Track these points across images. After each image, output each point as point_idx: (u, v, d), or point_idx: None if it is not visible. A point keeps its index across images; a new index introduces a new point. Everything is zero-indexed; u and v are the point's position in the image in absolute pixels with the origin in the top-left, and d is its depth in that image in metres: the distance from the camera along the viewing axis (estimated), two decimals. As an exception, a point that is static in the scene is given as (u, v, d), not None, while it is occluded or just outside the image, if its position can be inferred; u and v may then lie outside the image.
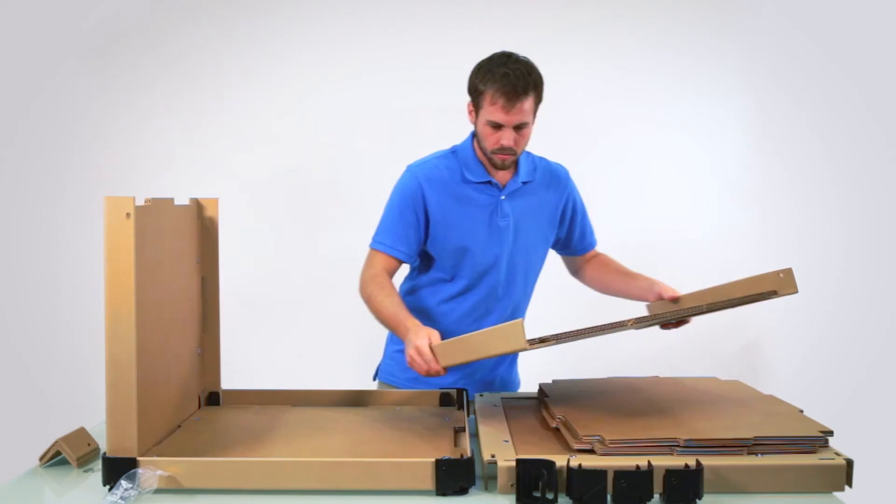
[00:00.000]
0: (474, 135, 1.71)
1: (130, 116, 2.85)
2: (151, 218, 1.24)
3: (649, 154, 2.91)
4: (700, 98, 2.89)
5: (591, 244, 1.92)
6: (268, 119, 2.86)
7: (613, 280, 1.86)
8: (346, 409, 1.56)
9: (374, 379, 1.92)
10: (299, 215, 2.87)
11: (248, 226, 2.72)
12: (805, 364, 2.79)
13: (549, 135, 2.91)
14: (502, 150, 1.61)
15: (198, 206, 1.54)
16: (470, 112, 1.67)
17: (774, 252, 2.89)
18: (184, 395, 1.47)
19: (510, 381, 1.91)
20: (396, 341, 1.81)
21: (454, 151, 1.74)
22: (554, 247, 1.90)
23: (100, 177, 2.87)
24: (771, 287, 1.52)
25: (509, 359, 1.90)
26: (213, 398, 1.59)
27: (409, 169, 1.72)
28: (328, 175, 2.85)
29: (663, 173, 2.92)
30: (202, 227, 1.55)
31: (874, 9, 2.71)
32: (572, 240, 1.88)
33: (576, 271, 1.96)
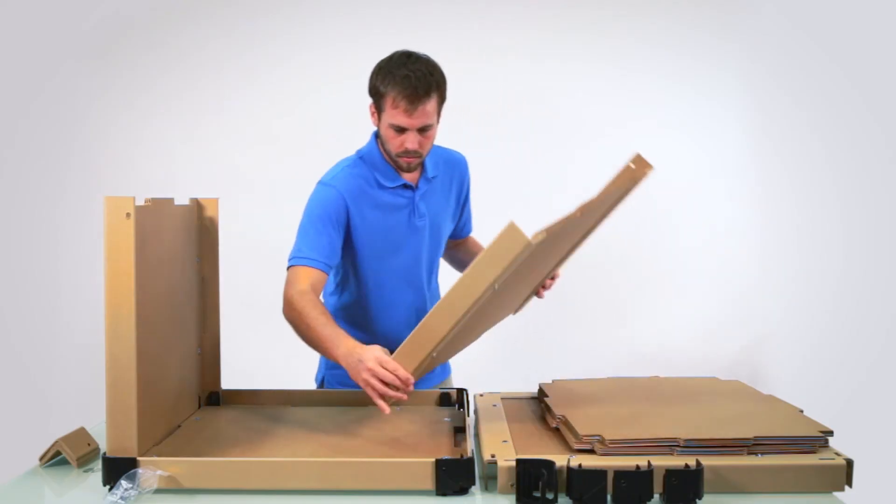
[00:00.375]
0: (377, 136, 1.65)
1: (130, 116, 2.85)
2: (151, 218, 1.24)
3: (649, 154, 2.91)
4: (700, 98, 2.89)
5: (470, 230, 1.91)
6: (268, 119, 2.86)
7: (467, 260, 1.81)
8: (345, 409, 1.56)
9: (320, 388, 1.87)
10: (299, 215, 2.87)
11: (248, 226, 2.72)
12: (805, 364, 2.79)
13: (549, 134, 2.93)
14: (407, 153, 1.56)
15: (198, 206, 1.54)
16: (372, 114, 1.61)
17: (774, 252, 2.89)
18: (184, 395, 1.47)
19: (443, 368, 1.89)
20: None
21: (361, 157, 1.66)
22: None
23: (100, 177, 2.87)
24: (630, 179, 1.57)
25: None
26: (213, 398, 1.59)
27: (326, 184, 1.62)
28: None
29: (663, 173, 2.91)
30: (202, 227, 1.55)
31: (874, 9, 2.71)
32: (457, 226, 1.86)
33: (448, 252, 1.91)
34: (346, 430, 1.41)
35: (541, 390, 1.53)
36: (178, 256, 1.40)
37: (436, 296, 1.82)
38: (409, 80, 1.49)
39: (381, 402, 1.28)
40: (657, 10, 2.86)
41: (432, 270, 1.78)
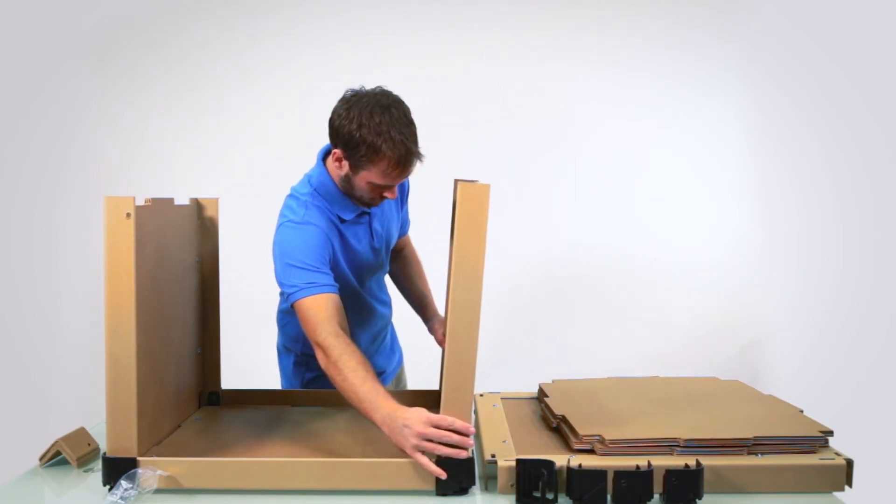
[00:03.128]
0: (323, 153, 1.59)
1: (130, 116, 2.85)
2: (151, 218, 1.24)
3: (649, 154, 2.91)
4: (700, 98, 2.89)
5: (408, 229, 1.88)
6: (268, 119, 2.86)
7: (411, 289, 1.88)
8: (345, 409, 1.56)
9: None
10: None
11: (248, 226, 2.72)
12: (805, 364, 2.79)
13: (549, 135, 2.93)
14: (382, 199, 1.51)
15: (198, 206, 1.54)
16: (338, 160, 1.47)
17: (775, 252, 2.89)
18: (184, 395, 1.47)
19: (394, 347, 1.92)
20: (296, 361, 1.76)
21: (316, 190, 1.54)
22: None
23: (100, 177, 2.87)
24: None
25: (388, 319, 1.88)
26: (213, 398, 1.59)
27: (305, 225, 1.48)
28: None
29: (663, 173, 2.92)
30: (202, 227, 1.55)
31: (874, 9, 2.71)
32: (402, 227, 1.84)
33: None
34: (346, 431, 1.41)
35: (541, 390, 1.53)
36: (178, 256, 1.40)
37: (388, 304, 1.83)
38: (404, 145, 1.39)
39: (437, 469, 1.14)
40: (657, 10, 2.86)
41: (386, 270, 1.80)
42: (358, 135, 1.39)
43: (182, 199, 1.48)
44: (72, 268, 2.86)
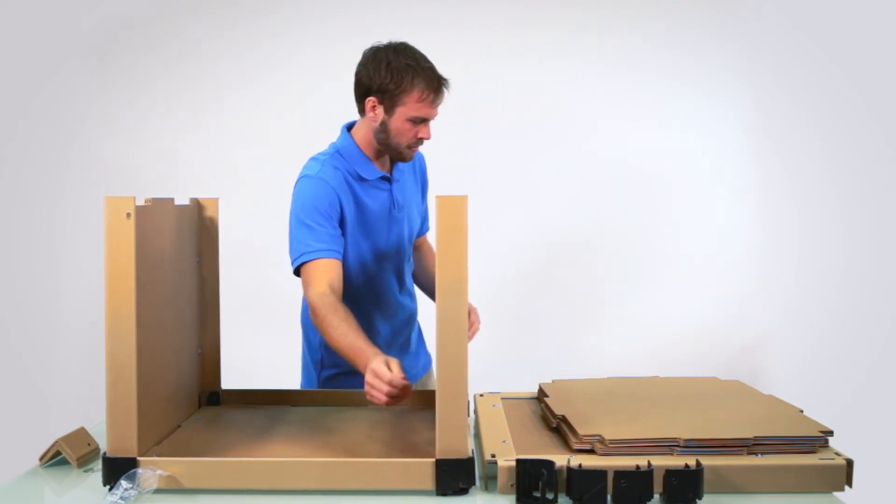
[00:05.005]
0: (348, 125, 1.68)
1: (130, 116, 2.85)
2: (151, 218, 1.24)
3: (649, 153, 2.91)
4: (700, 98, 2.89)
5: (427, 228, 1.92)
6: (268, 119, 2.86)
7: (419, 272, 1.89)
8: (345, 409, 1.56)
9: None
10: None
11: (248, 226, 2.72)
12: (805, 364, 2.79)
13: (549, 135, 2.93)
14: (419, 142, 1.60)
15: (198, 206, 1.54)
16: (373, 109, 1.57)
17: (774, 252, 2.89)
18: (184, 395, 1.47)
19: (428, 357, 1.92)
20: (314, 365, 1.78)
21: (339, 153, 1.64)
22: None
23: (100, 177, 2.87)
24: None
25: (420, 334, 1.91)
26: (213, 398, 1.59)
27: (313, 178, 1.58)
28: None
29: (663, 173, 2.92)
30: (202, 227, 1.55)
31: (874, 9, 2.71)
32: (424, 222, 1.89)
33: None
34: (346, 430, 1.41)
35: (541, 390, 1.53)
36: (178, 256, 1.40)
37: (413, 295, 1.84)
38: (433, 73, 1.55)
39: (378, 399, 1.25)
40: (657, 10, 2.86)
41: (407, 260, 1.80)
42: (389, 71, 1.53)
43: (182, 199, 1.48)
44: (72, 268, 2.86)
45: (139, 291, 1.16)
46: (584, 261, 2.90)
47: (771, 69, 2.85)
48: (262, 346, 2.77)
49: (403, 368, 1.27)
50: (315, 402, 1.60)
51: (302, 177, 1.61)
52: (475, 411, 1.50)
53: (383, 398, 1.23)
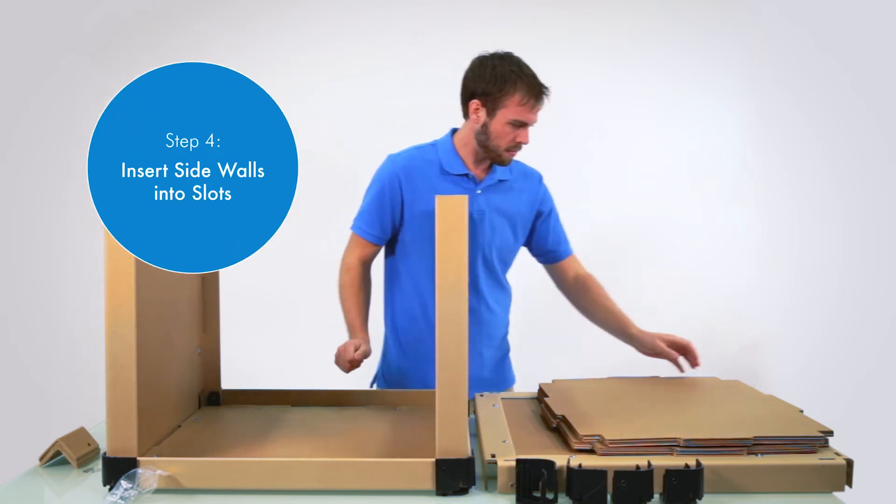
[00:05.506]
0: (454, 130, 1.79)
1: (130, 116, 2.85)
2: (151, 218, 1.24)
3: (649, 153, 2.91)
4: (700, 98, 2.89)
5: (566, 251, 1.92)
6: (268, 119, 2.86)
7: (602, 313, 1.89)
8: (345, 409, 1.56)
9: (371, 386, 1.94)
10: (299, 215, 2.86)
11: (248, 226, 2.72)
12: (805, 364, 2.79)
13: (549, 135, 2.92)
14: (517, 146, 1.71)
15: (198, 206, 1.54)
16: (476, 111, 1.70)
17: (775, 252, 2.89)
18: (184, 395, 1.47)
19: (505, 379, 1.90)
20: (390, 358, 1.89)
21: (434, 145, 1.80)
22: (533, 254, 1.92)
23: (100, 177, 2.87)
24: None
25: (502, 354, 1.89)
26: (213, 398, 1.59)
27: (389, 158, 1.80)
28: (328, 175, 2.85)
29: (663, 173, 2.92)
30: (202, 227, 1.55)
31: (874, 8, 2.71)
32: (546, 244, 1.89)
33: (560, 284, 1.96)
34: (346, 430, 1.41)
35: (541, 390, 1.53)
36: (178, 256, 1.40)
37: (490, 301, 1.84)
38: (535, 79, 1.67)
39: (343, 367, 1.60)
40: (657, 10, 2.86)
41: (485, 268, 1.80)
42: (494, 74, 1.67)
43: (182, 199, 1.48)
44: (72, 267, 2.86)
45: (139, 291, 1.16)
46: (583, 261, 2.89)
47: (771, 69, 2.85)
48: (262, 346, 2.77)
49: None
50: (315, 402, 1.60)
51: (387, 156, 1.81)
52: (475, 411, 1.50)
53: (343, 367, 1.59)
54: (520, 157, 1.82)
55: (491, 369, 1.88)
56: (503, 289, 1.87)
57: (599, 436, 1.19)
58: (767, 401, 1.42)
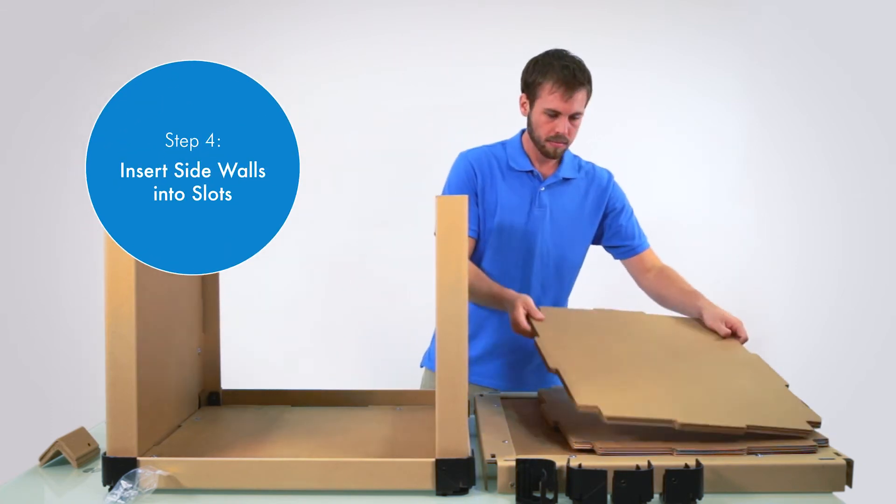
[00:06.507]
0: (524, 129, 1.83)
1: (130, 116, 2.85)
2: (151, 218, 1.24)
3: (649, 153, 2.91)
4: (700, 98, 2.89)
5: (641, 245, 1.93)
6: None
7: (682, 300, 1.79)
8: (345, 409, 1.56)
9: (422, 366, 1.97)
10: (299, 215, 2.87)
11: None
12: (805, 364, 2.79)
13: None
14: (557, 137, 1.72)
15: (198, 206, 1.54)
16: (522, 105, 1.78)
17: (775, 252, 2.89)
18: (184, 395, 1.47)
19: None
20: None
21: (503, 144, 1.85)
22: (607, 249, 1.94)
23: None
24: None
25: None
26: (213, 398, 1.59)
27: (461, 154, 1.83)
28: (328, 175, 2.85)
29: (663, 173, 2.92)
30: (202, 227, 1.55)
31: (875, 8, 2.71)
32: (618, 240, 1.91)
33: (638, 278, 1.94)
34: (346, 430, 1.41)
35: (540, 396, 1.54)
36: (178, 256, 1.40)
37: (556, 298, 1.88)
38: (567, 69, 1.67)
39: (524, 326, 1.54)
40: (657, 10, 2.86)
41: (549, 266, 1.83)
42: (534, 67, 1.72)
43: (182, 199, 1.48)
44: (72, 268, 2.86)
45: (139, 291, 1.16)
46: (584, 261, 2.89)
47: (771, 69, 2.85)
48: (262, 346, 2.77)
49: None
50: (315, 402, 1.60)
51: (458, 153, 1.84)
52: (475, 411, 1.50)
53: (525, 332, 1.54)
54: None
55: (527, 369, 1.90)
56: (561, 287, 1.88)
57: (591, 445, 1.19)
58: (774, 385, 1.38)
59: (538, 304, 1.72)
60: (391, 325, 2.75)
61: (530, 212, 1.79)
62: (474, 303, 1.75)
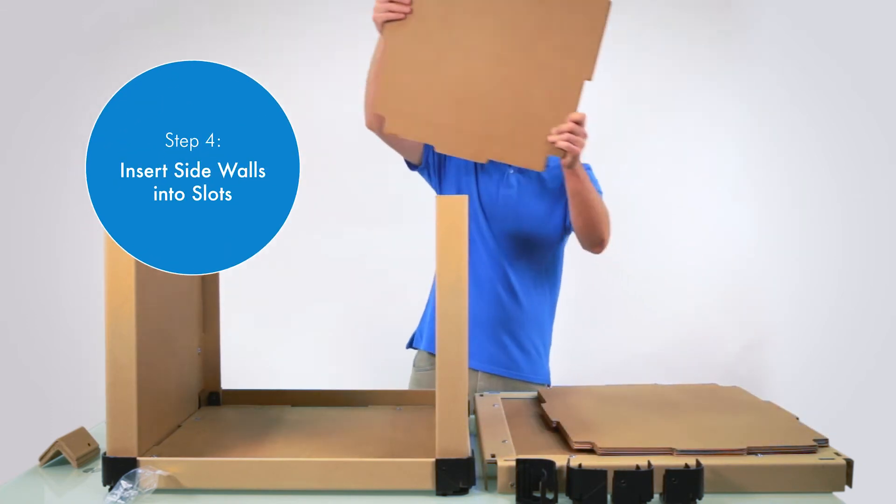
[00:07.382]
0: None
1: (130, 116, 2.85)
2: (151, 218, 1.24)
3: (648, 153, 2.91)
4: (700, 97, 2.89)
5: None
6: (268, 119, 2.86)
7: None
8: (345, 409, 1.56)
9: (413, 347, 1.98)
10: (299, 215, 2.87)
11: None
12: (805, 364, 2.80)
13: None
14: None
15: (198, 206, 1.54)
16: None
17: (774, 252, 2.89)
18: (184, 395, 1.47)
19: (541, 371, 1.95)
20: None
21: None
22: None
23: (100, 177, 2.87)
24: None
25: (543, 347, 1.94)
26: (213, 398, 1.59)
27: None
28: (328, 175, 2.85)
29: (663, 173, 2.92)
30: (202, 227, 1.55)
31: (875, 8, 2.71)
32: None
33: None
34: (346, 430, 1.41)
35: (539, 396, 1.53)
36: (178, 256, 1.40)
37: (526, 279, 1.89)
38: None
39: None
40: (657, 10, 2.86)
41: (516, 247, 1.87)
42: None
43: (182, 199, 1.48)
44: (72, 267, 2.86)
45: (139, 291, 1.16)
46: (583, 261, 2.90)
47: (771, 69, 2.85)
48: (262, 346, 2.77)
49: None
50: (315, 402, 1.60)
51: None
52: (475, 411, 1.50)
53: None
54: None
55: (514, 349, 1.90)
56: (536, 279, 1.90)
57: (592, 444, 1.19)
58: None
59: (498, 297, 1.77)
60: (391, 325, 2.75)
61: (497, 193, 1.86)
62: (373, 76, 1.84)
